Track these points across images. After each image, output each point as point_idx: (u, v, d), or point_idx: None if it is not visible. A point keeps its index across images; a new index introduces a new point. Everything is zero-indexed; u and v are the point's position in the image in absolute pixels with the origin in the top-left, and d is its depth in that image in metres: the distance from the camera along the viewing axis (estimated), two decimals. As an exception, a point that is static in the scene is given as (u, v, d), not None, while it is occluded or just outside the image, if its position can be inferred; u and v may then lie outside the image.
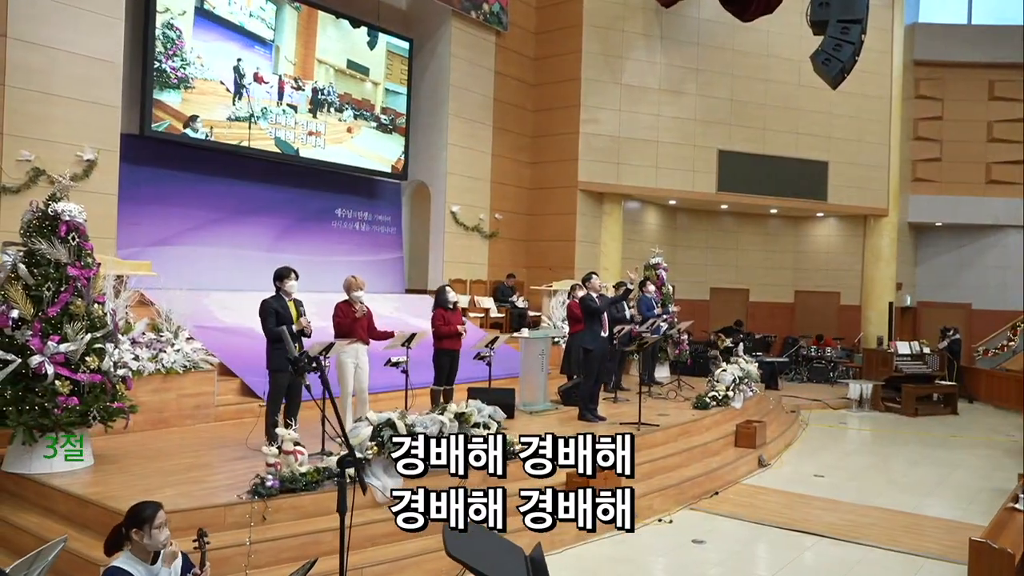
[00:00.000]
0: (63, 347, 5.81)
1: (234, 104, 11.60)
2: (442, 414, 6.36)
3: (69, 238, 6.04)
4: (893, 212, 18.59)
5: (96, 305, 6.18)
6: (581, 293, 11.10)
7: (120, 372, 6.25)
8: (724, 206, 18.61)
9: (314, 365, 3.65)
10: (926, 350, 15.35)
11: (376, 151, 13.88)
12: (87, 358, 5.96)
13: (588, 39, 15.87)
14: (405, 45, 14.31)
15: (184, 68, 10.94)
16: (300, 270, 12.65)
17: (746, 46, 17.04)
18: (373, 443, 5.90)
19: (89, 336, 5.98)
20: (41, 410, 5.73)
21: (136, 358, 7.40)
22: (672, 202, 18.46)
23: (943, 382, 15.10)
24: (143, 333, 7.78)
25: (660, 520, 7.31)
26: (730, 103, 16.95)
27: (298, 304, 7.00)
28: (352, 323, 7.39)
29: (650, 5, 16.29)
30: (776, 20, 16.18)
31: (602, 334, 9.08)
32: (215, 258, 11.80)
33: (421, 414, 6.35)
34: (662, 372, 13.29)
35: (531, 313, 15.32)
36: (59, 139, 9.08)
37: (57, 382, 5.77)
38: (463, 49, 14.75)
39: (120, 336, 6.68)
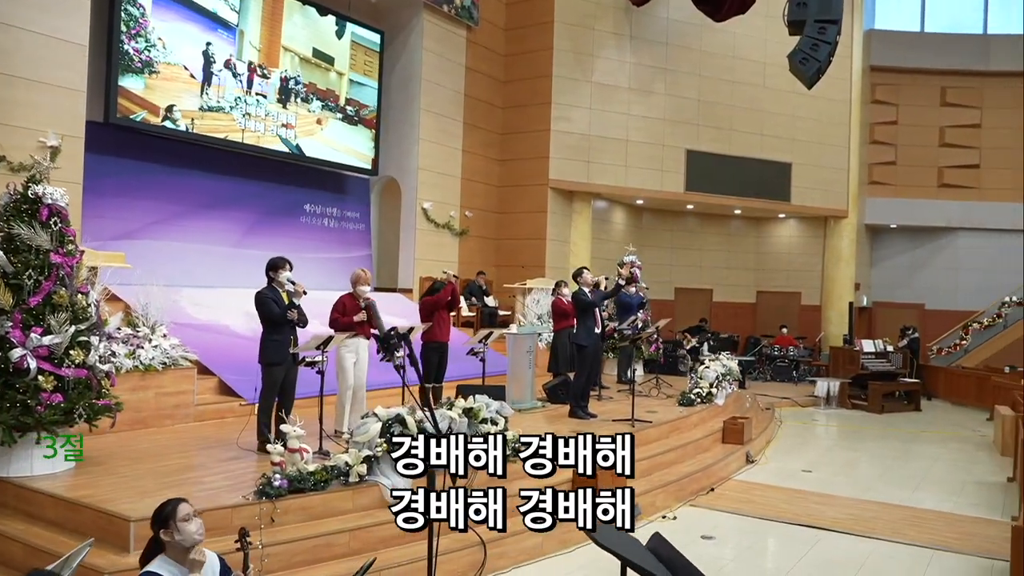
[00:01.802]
0: (47, 340, 5.39)
1: (203, 93, 11.10)
2: (450, 409, 6.11)
3: (51, 223, 5.62)
4: (852, 213, 18.95)
5: (80, 295, 5.77)
6: (566, 290, 10.98)
7: (104, 367, 5.82)
8: (690, 206, 18.70)
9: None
10: (889, 348, 15.64)
11: (348, 144, 13.50)
12: (71, 352, 5.55)
13: (559, 36, 15.76)
14: (375, 37, 13.97)
15: (148, 51, 10.37)
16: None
17: (713, 47, 17.15)
18: (383, 440, 5.61)
19: (73, 328, 5.57)
20: (23, 408, 5.30)
21: (113, 354, 6.94)
22: (639, 202, 18.47)
23: (906, 380, 15.40)
24: (118, 328, 7.33)
25: (664, 517, 7.20)
26: (698, 103, 17.04)
27: (291, 296, 6.66)
28: (349, 319, 7.08)
29: (620, 4, 16.28)
30: (742, 22, 16.35)
31: (596, 330, 8.93)
32: (181, 253, 11.28)
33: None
34: (637, 371, 13.22)
35: (501, 312, 15.13)
36: (20, 123, 8.52)
37: (40, 377, 5.35)
38: (434, 43, 14.47)
39: (105, 329, 6.24)
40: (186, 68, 10.86)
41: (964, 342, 19.47)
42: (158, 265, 10.48)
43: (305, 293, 6.66)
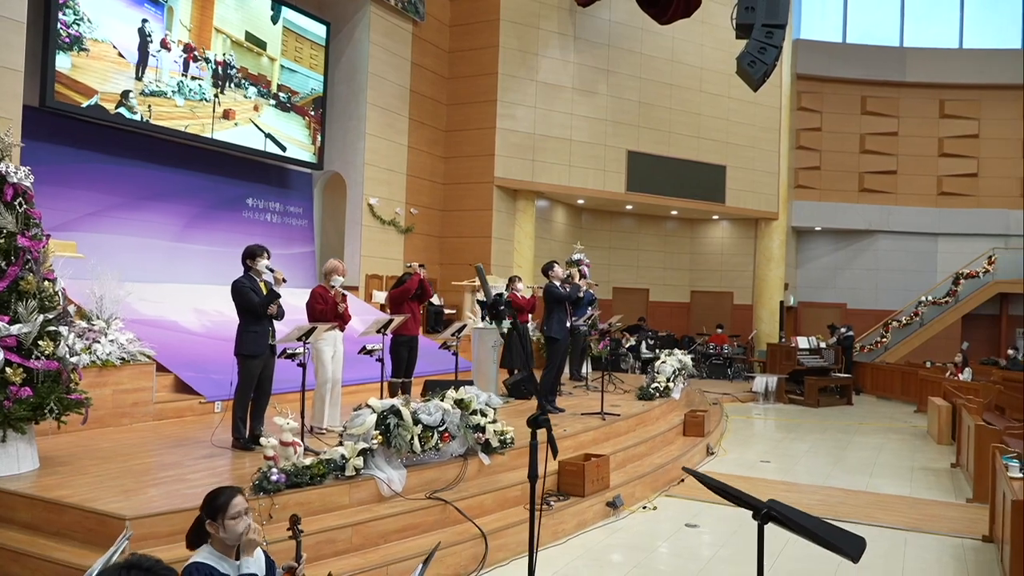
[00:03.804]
0: (15, 329, 4.99)
1: (139, 76, 10.49)
2: (443, 400, 5.96)
3: (16, 203, 5.21)
4: (782, 216, 19.59)
5: (47, 282, 5.36)
6: (520, 285, 10.95)
7: (73, 360, 5.43)
8: (629, 206, 18.96)
9: (505, 309, 3.19)
10: (822, 345, 16.21)
11: (288, 134, 13.03)
12: (40, 342, 5.14)
13: (505, 34, 15.73)
14: (318, 28, 13.59)
15: (76, 25, 9.69)
16: (211, 263, 12.05)
17: (653, 51, 17.45)
18: (378, 431, 5.43)
19: (42, 317, 5.17)
20: (-12, 403, 4.88)
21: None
22: (580, 201, 18.61)
23: (839, 374, 15.99)
24: (73, 321, 6.85)
25: (645, 507, 7.22)
26: (638, 105, 17.30)
27: (269, 285, 6.37)
28: (333, 308, 6.84)
29: (564, 4, 16.38)
30: (681, 27, 16.72)
31: (567, 323, 8.91)
32: (119, 246, 10.67)
33: (422, 401, 5.92)
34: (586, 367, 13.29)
35: (447, 311, 14.98)
36: (-48, 104, 7.91)
37: (8, 370, 4.94)
38: (381, 36, 14.22)
39: (74, 320, 5.83)
40: (115, 47, 10.17)
41: (885, 340, 20.42)
42: (95, 259, 9.93)
43: (285, 281, 6.40)
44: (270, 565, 3.10)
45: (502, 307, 3.12)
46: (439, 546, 3.58)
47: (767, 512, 2.52)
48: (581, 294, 9.47)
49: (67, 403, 5.27)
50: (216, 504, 2.92)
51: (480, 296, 13.61)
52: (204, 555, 2.90)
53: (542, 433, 2.87)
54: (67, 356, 5.31)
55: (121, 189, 10.86)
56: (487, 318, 4.51)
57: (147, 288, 9.89)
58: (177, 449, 6.17)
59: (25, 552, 4.26)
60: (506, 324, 3.56)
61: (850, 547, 2.37)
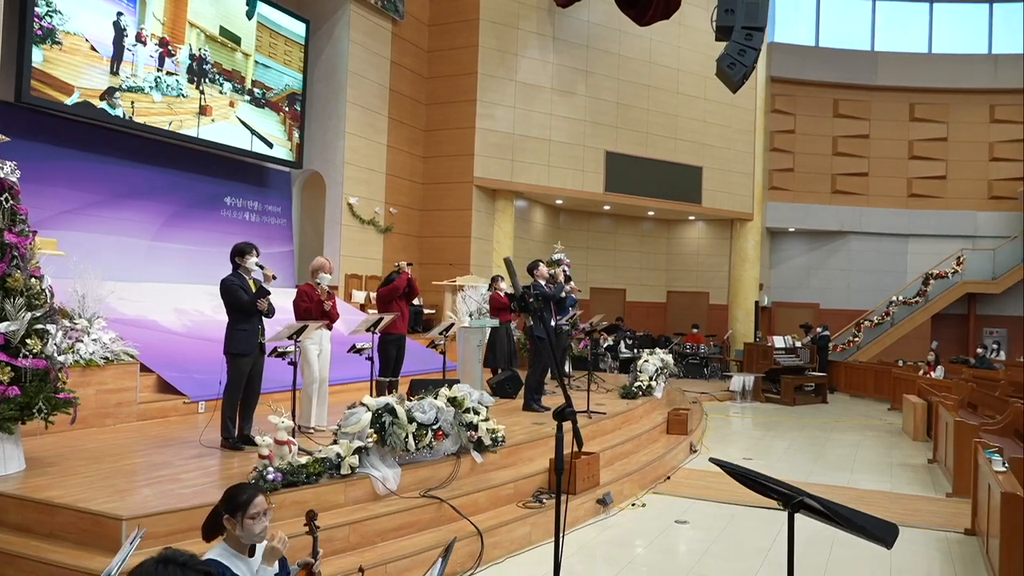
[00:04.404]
0: (2, 327, 4.89)
1: (114, 69, 10.27)
2: (436, 398, 5.94)
3: (2, 199, 5.10)
4: (757, 217, 19.80)
5: (33, 279, 5.26)
6: (504, 284, 10.95)
7: (61, 358, 5.33)
8: (607, 207, 19.04)
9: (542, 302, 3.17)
10: (798, 344, 16.42)
11: (265, 130, 12.86)
12: (27, 340, 5.04)
13: (485, 34, 15.73)
14: (297, 27, 13.47)
15: (50, 17, 9.44)
16: (189, 262, 11.90)
17: (631, 52, 17.56)
18: (373, 430, 5.39)
19: (30, 315, 5.07)
20: (-25, 402, 4.78)
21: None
22: (559, 202, 18.66)
23: (815, 373, 16.20)
24: (60, 319, 6.72)
25: (634, 504, 7.26)
26: (616, 106, 17.39)
27: (258, 283, 6.30)
28: (319, 306, 6.79)
29: (544, 4, 16.42)
30: (658, 29, 16.83)
31: (552, 323, 8.92)
32: (95, 245, 10.48)
33: (416, 399, 5.89)
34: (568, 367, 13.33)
35: (427, 311, 14.93)
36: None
37: (-5, 368, 4.84)
38: (361, 35, 14.14)
39: (61, 318, 5.72)
40: (87, 40, 9.94)
41: (857, 339, 20.73)
42: (68, 258, 9.76)
43: (274, 278, 6.33)
44: (283, 562, 3.07)
45: (531, 299, 3.12)
46: (455, 541, 3.55)
47: (799, 501, 2.54)
48: (564, 294, 9.50)
49: (55, 403, 5.17)
50: (238, 501, 2.89)
51: (462, 296, 13.61)
52: (217, 552, 2.87)
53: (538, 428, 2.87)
54: (55, 355, 5.21)
55: (98, 187, 10.68)
56: (516, 311, 4.49)
57: (126, 287, 9.73)
58: (165, 449, 6.08)
59: (18, 554, 4.18)
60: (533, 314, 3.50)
61: (884, 533, 2.39)
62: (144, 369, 7.87)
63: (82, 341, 6.82)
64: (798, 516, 6.97)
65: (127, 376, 7.20)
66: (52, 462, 5.43)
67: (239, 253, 6.23)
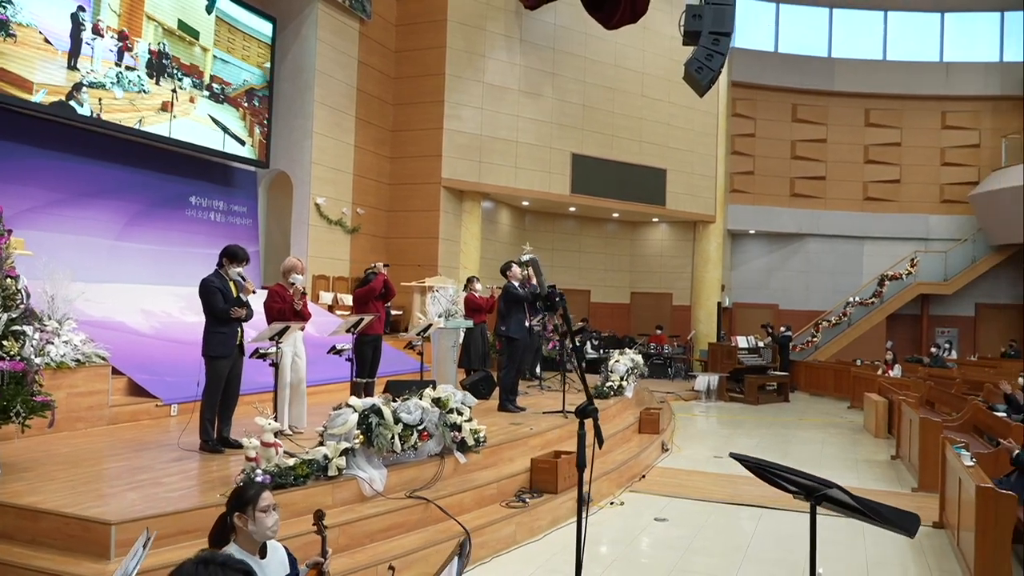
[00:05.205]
0: (-22, 328, 4.75)
1: (71, 64, 9.98)
2: (421, 399, 5.93)
3: (-23, 197, 4.96)
4: (719, 219, 20.11)
5: (9, 280, 5.13)
6: (479, 285, 10.96)
7: (38, 360, 5.20)
8: (572, 208, 19.16)
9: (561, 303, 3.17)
10: (760, 344, 16.72)
11: (229, 126, 12.66)
12: (4, 342, 4.91)
13: (452, 35, 15.71)
14: (261, 24, 13.28)
15: (3, 8, 9.04)
16: (154, 262, 11.68)
17: (597, 55, 17.70)
18: (359, 430, 5.37)
19: (6, 316, 4.94)
20: (-49, 406, 4.64)
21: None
22: (525, 203, 18.72)
23: (777, 373, 16.51)
24: (35, 320, 6.55)
25: (612, 503, 7.34)
26: (583, 108, 17.51)
27: (239, 285, 6.21)
28: (291, 308, 6.71)
29: (511, 6, 16.46)
30: (623, 33, 16.97)
31: (525, 323, 8.96)
32: (57, 245, 10.19)
33: (401, 400, 5.87)
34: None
35: (394, 312, 14.85)
36: None
37: (-28, 371, 4.70)
38: (329, 34, 14.02)
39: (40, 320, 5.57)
40: (41, 32, 9.57)
41: (816, 339, 21.18)
42: (28, 258, 9.50)
43: (254, 292, 6.23)
44: (292, 562, 3.06)
45: (557, 299, 3.15)
46: (468, 540, 3.56)
47: (822, 494, 2.61)
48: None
49: (32, 406, 5.05)
50: (246, 496, 2.87)
51: (432, 297, 13.57)
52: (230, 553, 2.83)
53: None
54: (32, 357, 5.08)
55: (59, 184, 10.41)
56: (540, 309, 4.50)
57: (90, 288, 9.50)
58: (143, 453, 5.96)
59: (1, 561, 4.06)
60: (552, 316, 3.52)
61: (908, 524, 2.47)
62: (114, 372, 7.71)
63: (52, 343, 6.64)
64: (768, 515, 7.14)
65: (99, 379, 7.04)
66: (27, 467, 5.28)
67: (230, 256, 6.11)
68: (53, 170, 10.34)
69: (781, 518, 7.03)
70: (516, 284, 8.98)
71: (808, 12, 22.96)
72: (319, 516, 3.19)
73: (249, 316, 6.24)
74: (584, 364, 16.18)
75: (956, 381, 12.78)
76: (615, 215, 20.10)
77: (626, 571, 5.56)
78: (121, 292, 10.13)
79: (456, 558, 2.91)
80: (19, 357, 4.97)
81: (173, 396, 7.83)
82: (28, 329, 5.09)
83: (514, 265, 9.20)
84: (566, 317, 3.22)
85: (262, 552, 2.91)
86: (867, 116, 22.61)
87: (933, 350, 18.28)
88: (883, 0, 22.70)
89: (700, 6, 12.53)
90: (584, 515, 3.03)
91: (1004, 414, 9.30)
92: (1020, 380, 10.24)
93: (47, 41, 9.71)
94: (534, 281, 10.00)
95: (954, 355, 20.20)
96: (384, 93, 15.82)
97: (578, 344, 17.71)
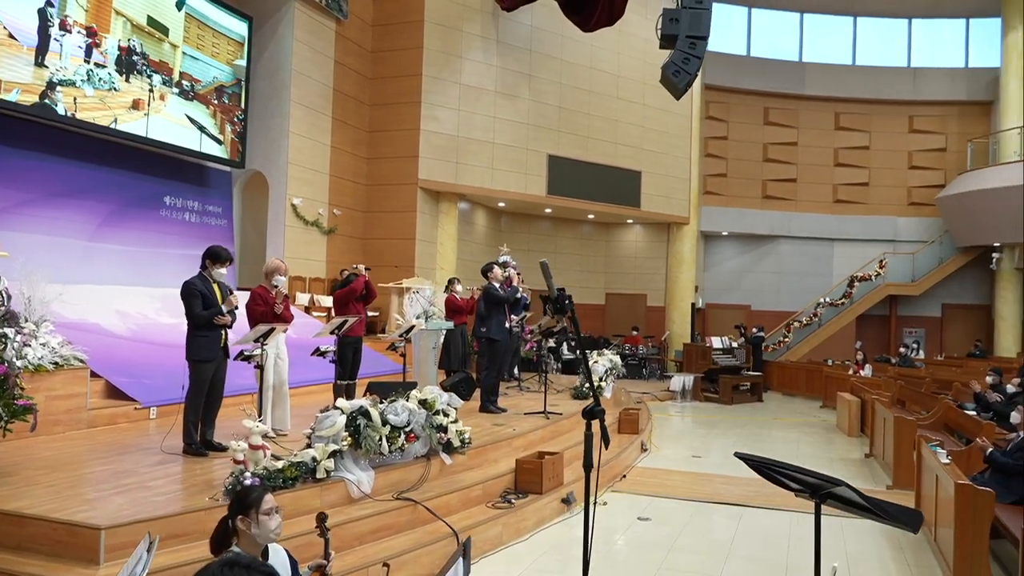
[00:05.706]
0: (-40, 331, 4.67)
1: (39, 60, 9.76)
2: (407, 400, 5.93)
3: (-43, 197, 4.87)
4: (693, 221, 20.30)
5: (-11, 282, 5.04)
6: (459, 287, 10.98)
7: (20, 363, 5.12)
8: (548, 210, 19.22)
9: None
10: (734, 344, 16.90)
11: (201, 123, 12.50)
12: (-15, 345, 4.84)
13: (429, 36, 15.69)
14: (237, 25, 13.14)
15: None
16: (128, 263, 11.52)
17: (573, 57, 17.78)
18: (347, 432, 5.36)
19: (-14, 319, 4.86)
20: (-69, 410, 4.55)
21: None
22: (501, 204, 18.75)
23: (750, 373, 16.71)
24: (16, 323, 6.44)
25: (596, 503, 7.36)
26: (559, 110, 17.58)
27: (223, 287, 6.16)
28: (272, 310, 6.67)
29: (487, 7, 16.47)
30: (599, 35, 17.08)
31: (506, 324, 8.99)
32: (29, 245, 10.00)
33: (388, 401, 5.86)
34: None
35: (370, 314, 14.79)
36: None
37: (-47, 374, 4.62)
38: (305, 33, 13.94)
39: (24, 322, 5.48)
40: (4, 27, 9.31)
41: (787, 339, 21.46)
42: (19, 258, 9.35)
43: (236, 307, 6.15)
44: (294, 564, 3.05)
45: (567, 301, 3.18)
46: (471, 540, 3.57)
47: (827, 492, 2.66)
48: (519, 296, 9.59)
49: (15, 410, 4.97)
50: (249, 499, 2.86)
51: (410, 298, 13.55)
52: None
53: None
54: (14, 360, 5.00)
55: (30, 185, 10.22)
56: (551, 313, 4.52)
57: (63, 289, 9.36)
58: (126, 456, 5.89)
59: (-12, 568, 4.01)
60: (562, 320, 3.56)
61: (910, 520, 2.53)
62: (92, 375, 7.60)
63: (30, 345, 6.54)
64: (749, 513, 7.23)
65: (77, 382, 6.95)
66: (8, 472, 5.20)
67: (213, 257, 6.05)
68: (26, 170, 10.15)
69: (759, 516, 7.14)
70: (497, 285, 9.00)
71: (780, 17, 23.27)
72: (322, 519, 3.18)
73: (233, 320, 6.20)
74: (588, 365, 16.26)
75: (926, 380, 13.03)
76: (590, 216, 20.20)
77: (615, 570, 5.61)
78: (95, 293, 9.99)
79: (460, 558, 2.92)
80: (2, 360, 4.89)
81: (152, 399, 7.74)
82: (10, 332, 5.01)
83: (495, 267, 9.22)
84: (574, 320, 3.24)
85: (263, 555, 2.90)
86: (837, 120, 22.97)
87: (902, 350, 18.61)
88: (852, 6, 23.09)
89: (677, 10, 12.66)
90: (591, 516, 3.06)
91: (974, 412, 9.52)
92: (988, 379, 10.48)
93: (12, 37, 9.50)
94: (515, 283, 10.08)
95: (921, 355, 20.59)
96: (361, 93, 15.75)
97: (555, 345, 17.78)
